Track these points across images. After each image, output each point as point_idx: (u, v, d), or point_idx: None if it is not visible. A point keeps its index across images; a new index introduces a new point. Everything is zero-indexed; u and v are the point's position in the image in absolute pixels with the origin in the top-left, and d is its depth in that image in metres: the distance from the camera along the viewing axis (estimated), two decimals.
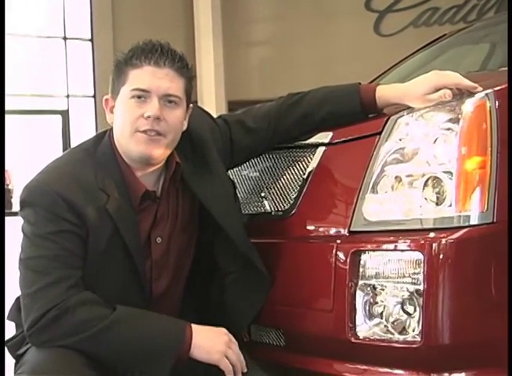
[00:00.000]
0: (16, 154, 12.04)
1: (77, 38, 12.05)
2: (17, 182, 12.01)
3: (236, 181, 2.06)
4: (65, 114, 12.11)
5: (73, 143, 11.66)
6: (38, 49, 11.98)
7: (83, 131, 11.72)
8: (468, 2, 12.39)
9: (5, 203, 11.29)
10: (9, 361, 1.96)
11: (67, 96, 12.10)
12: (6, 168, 11.73)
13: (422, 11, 12.41)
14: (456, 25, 11.54)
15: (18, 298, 1.79)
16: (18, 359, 1.73)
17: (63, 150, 11.64)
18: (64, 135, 12.05)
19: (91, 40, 11.94)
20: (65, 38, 12.00)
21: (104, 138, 1.83)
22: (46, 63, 11.94)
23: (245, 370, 1.71)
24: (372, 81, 2.96)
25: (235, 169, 2.09)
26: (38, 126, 12.54)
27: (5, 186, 11.81)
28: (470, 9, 12.35)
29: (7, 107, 10.95)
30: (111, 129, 1.82)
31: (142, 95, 1.72)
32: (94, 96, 11.95)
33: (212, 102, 10.89)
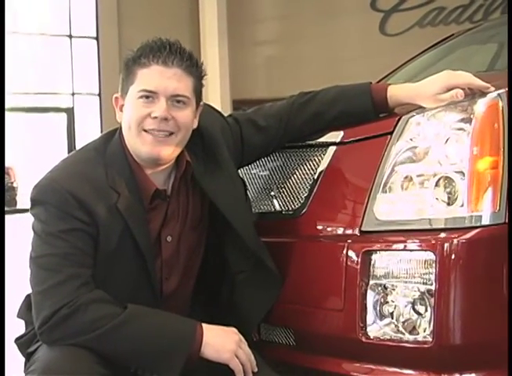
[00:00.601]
0: (21, 152, 12.07)
1: (82, 36, 12.09)
2: (22, 180, 12.05)
3: (246, 180, 2.06)
4: (70, 112, 12.15)
5: (78, 141, 11.71)
6: (44, 47, 12.02)
7: (88, 129, 11.76)
8: (474, 2, 12.39)
9: (9, 200, 11.34)
10: (11, 358, 1.97)
11: (72, 94, 12.13)
12: (11, 165, 11.78)
13: (428, 11, 12.43)
14: (461, 25, 11.54)
15: (27, 296, 1.79)
16: (28, 357, 1.73)
17: (68, 148, 11.69)
18: (69, 133, 12.09)
19: (97, 38, 11.97)
20: (70, 36, 12.04)
21: (114, 136, 1.83)
22: (51, 61, 11.99)
23: (255, 370, 1.70)
24: (379, 81, 2.96)
25: (245, 168, 2.08)
26: (43, 124, 12.59)
27: (10, 184, 11.86)
28: (476, 8, 12.35)
29: (12, 105, 10.98)
30: (121, 127, 1.82)
31: (149, 95, 1.72)
32: (99, 94, 11.98)
33: (217, 101, 10.90)
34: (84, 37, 12.08)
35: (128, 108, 1.76)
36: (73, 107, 12.15)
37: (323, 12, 12.32)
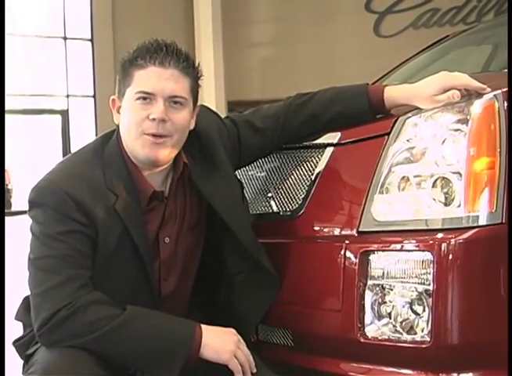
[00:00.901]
0: (16, 154, 12.04)
1: (77, 38, 12.08)
2: (16, 182, 12.02)
3: (243, 181, 2.06)
4: (65, 114, 12.14)
5: (73, 143, 11.69)
6: (38, 49, 12.00)
7: (83, 131, 11.75)
8: (468, 4, 12.43)
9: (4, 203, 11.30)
10: (9, 360, 1.97)
11: (67, 96, 12.12)
12: (6, 167, 11.74)
13: (422, 12, 12.46)
14: (455, 26, 11.57)
15: (25, 298, 1.79)
16: (27, 359, 1.73)
17: (63, 150, 11.67)
18: (64, 135, 12.07)
19: (92, 40, 11.96)
20: (65, 38, 12.03)
21: (112, 138, 1.83)
22: (46, 63, 11.97)
23: (254, 371, 1.71)
24: (374, 82, 2.96)
25: (242, 169, 2.09)
26: (38, 126, 12.55)
27: (5, 186, 11.82)
28: (469, 10, 12.39)
29: (7, 107, 10.95)
30: (119, 129, 1.82)
31: (147, 97, 1.72)
32: (94, 96, 11.97)
33: (212, 102, 10.89)
34: (79, 39, 12.08)
35: (126, 110, 1.76)
36: (67, 109, 12.13)
37: (318, 14, 12.34)
